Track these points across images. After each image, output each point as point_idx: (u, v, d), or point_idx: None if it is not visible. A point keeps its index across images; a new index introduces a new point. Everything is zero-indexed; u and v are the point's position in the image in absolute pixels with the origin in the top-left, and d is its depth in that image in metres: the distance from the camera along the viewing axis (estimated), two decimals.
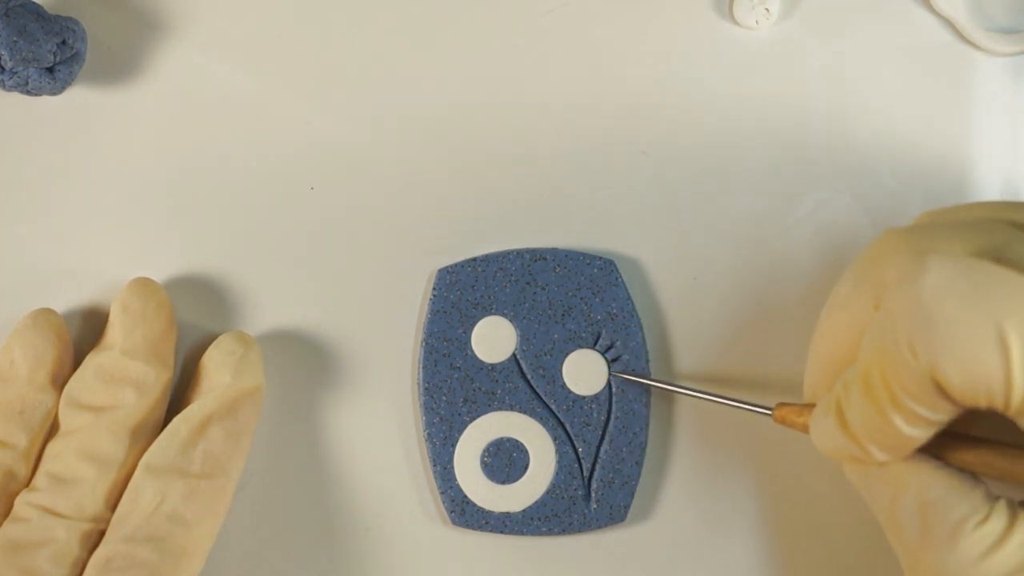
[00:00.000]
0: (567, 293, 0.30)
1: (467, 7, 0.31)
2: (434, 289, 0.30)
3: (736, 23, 0.31)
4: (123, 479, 0.27)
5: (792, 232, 0.30)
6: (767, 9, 0.30)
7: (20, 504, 0.26)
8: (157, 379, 0.27)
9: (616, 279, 0.30)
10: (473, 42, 0.31)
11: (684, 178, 0.30)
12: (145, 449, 0.27)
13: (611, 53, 0.31)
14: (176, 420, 0.27)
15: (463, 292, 0.30)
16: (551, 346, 0.29)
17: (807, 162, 0.31)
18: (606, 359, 0.29)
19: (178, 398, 0.29)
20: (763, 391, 0.30)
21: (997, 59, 0.31)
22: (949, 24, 0.31)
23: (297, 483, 0.29)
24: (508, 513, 0.29)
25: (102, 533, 0.27)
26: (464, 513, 0.29)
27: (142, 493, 0.26)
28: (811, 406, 0.25)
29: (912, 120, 0.31)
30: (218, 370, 0.28)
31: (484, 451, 0.29)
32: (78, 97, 0.30)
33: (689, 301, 0.30)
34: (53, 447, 0.27)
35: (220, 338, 0.28)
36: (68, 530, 0.26)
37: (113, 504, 0.27)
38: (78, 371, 0.28)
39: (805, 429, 0.25)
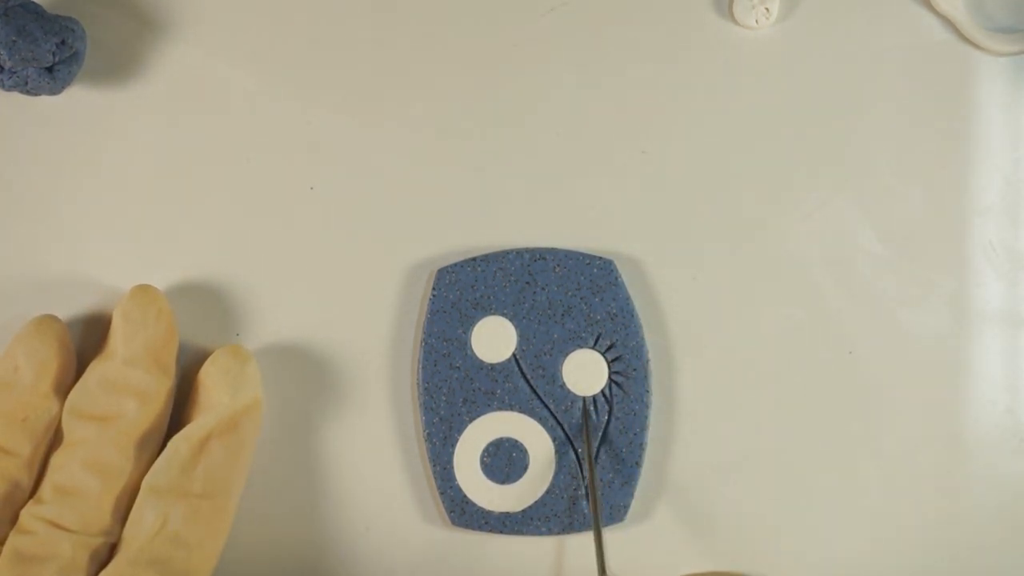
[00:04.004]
0: (567, 293, 0.29)
1: (467, 7, 0.31)
2: (434, 289, 0.30)
3: (736, 23, 0.31)
4: (129, 490, 0.27)
5: (792, 232, 0.30)
6: (767, 9, 0.30)
7: (26, 516, 0.26)
8: (159, 388, 0.27)
9: (616, 279, 0.30)
10: (473, 41, 0.31)
11: (684, 178, 0.30)
12: (150, 458, 0.27)
13: (611, 52, 0.31)
14: (176, 440, 0.27)
15: (463, 292, 0.30)
16: (551, 346, 0.29)
17: (807, 162, 0.30)
18: (606, 359, 0.29)
19: (178, 407, 0.29)
20: (764, 390, 0.30)
21: (997, 59, 0.31)
22: (949, 24, 0.31)
23: (297, 483, 0.29)
24: (508, 513, 0.29)
25: (110, 546, 0.27)
26: (464, 513, 0.29)
27: (145, 515, 0.26)
28: None
29: (912, 120, 0.31)
30: (216, 388, 0.28)
31: (484, 451, 0.29)
32: (77, 97, 0.30)
33: (689, 301, 0.30)
34: (58, 458, 0.27)
35: (216, 353, 0.28)
36: (74, 545, 0.26)
37: (120, 515, 0.27)
38: (80, 381, 0.28)
39: None
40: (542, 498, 0.29)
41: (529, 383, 0.29)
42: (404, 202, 0.30)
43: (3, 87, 0.28)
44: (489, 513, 0.29)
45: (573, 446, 0.29)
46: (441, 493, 0.29)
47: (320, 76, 0.30)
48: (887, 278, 0.30)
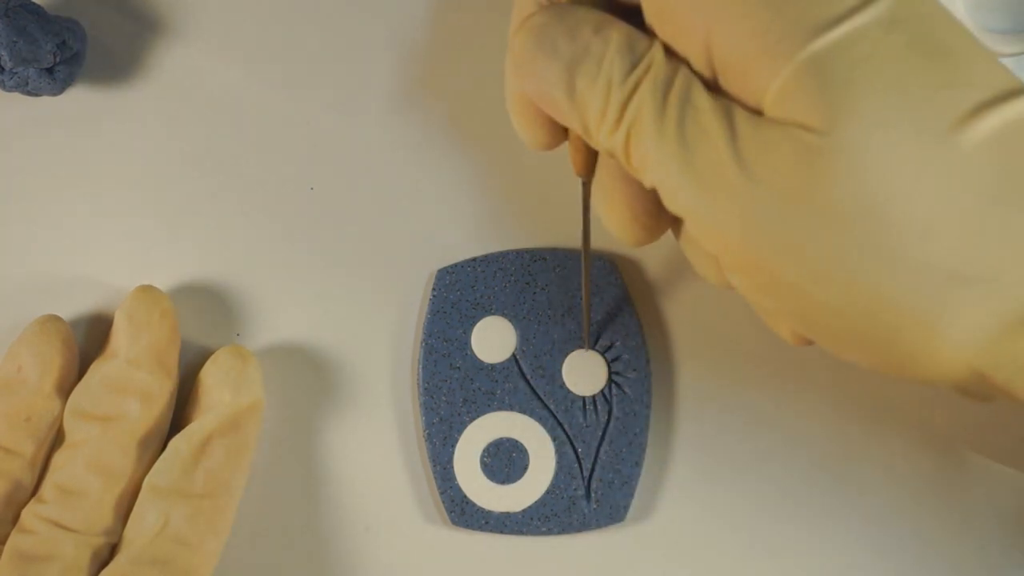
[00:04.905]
0: (567, 293, 0.30)
1: (466, 6, 0.31)
2: (434, 289, 0.30)
3: None
4: (131, 490, 0.27)
5: None
6: None
7: (28, 516, 0.26)
8: (162, 389, 0.27)
9: (616, 279, 0.30)
10: (472, 41, 0.31)
11: None
12: (152, 459, 0.27)
13: None
14: (177, 439, 0.27)
15: (463, 292, 0.30)
16: (551, 346, 0.29)
17: None
18: (606, 359, 0.29)
19: (178, 408, 0.29)
20: (764, 389, 0.30)
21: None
22: None
23: (297, 484, 0.29)
24: (508, 513, 0.29)
25: (112, 547, 0.27)
26: (464, 513, 0.29)
27: (146, 515, 0.26)
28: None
29: None
30: (217, 387, 0.28)
31: (484, 451, 0.29)
32: (78, 97, 0.30)
33: (689, 301, 0.30)
34: (59, 458, 0.27)
35: (217, 353, 0.28)
36: (77, 545, 0.26)
37: (122, 515, 0.27)
38: (83, 380, 0.28)
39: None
40: (542, 498, 0.29)
41: (529, 383, 0.29)
42: (404, 202, 0.30)
43: (4, 88, 0.28)
44: (489, 513, 0.29)
45: (573, 446, 0.29)
46: (441, 493, 0.29)
47: (320, 76, 0.30)
48: None
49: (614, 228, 0.24)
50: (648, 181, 0.22)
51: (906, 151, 0.19)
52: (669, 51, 0.22)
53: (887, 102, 0.19)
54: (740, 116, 0.20)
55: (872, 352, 0.21)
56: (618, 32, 0.22)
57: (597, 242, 0.30)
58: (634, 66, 0.21)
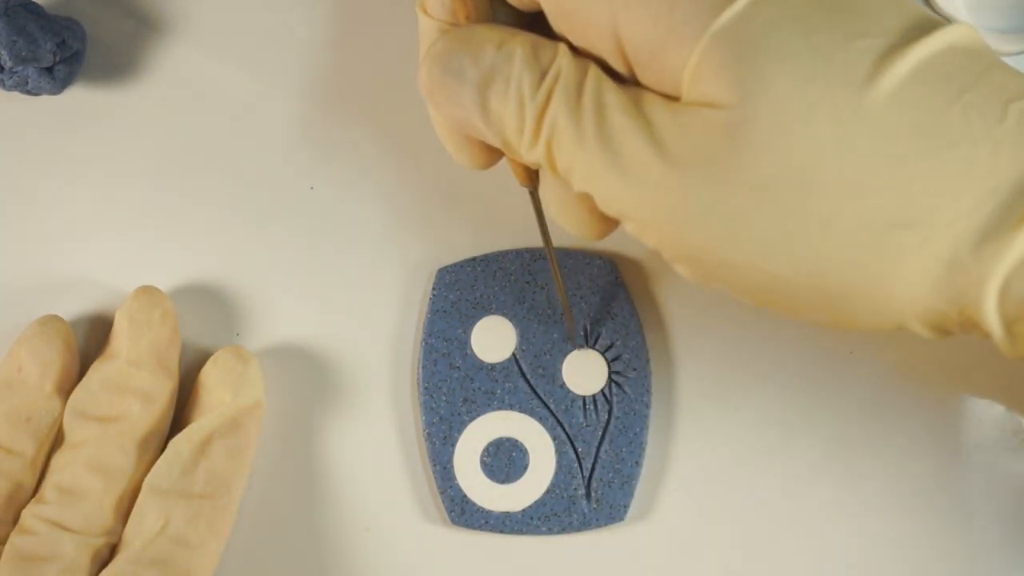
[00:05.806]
0: (567, 292, 0.30)
1: None
2: (434, 289, 0.30)
3: None
4: (131, 490, 0.27)
5: None
6: None
7: (28, 516, 0.26)
8: (162, 389, 0.27)
9: (616, 279, 0.30)
10: None
11: None
12: (152, 459, 0.27)
13: None
14: (177, 440, 0.27)
15: (463, 292, 0.30)
16: (551, 346, 0.29)
17: None
18: (606, 359, 0.29)
19: (178, 408, 0.29)
20: (764, 388, 0.30)
21: None
22: None
23: (297, 483, 0.30)
24: (508, 513, 0.29)
25: (112, 547, 0.27)
26: (464, 513, 0.29)
27: (146, 515, 0.26)
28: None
29: None
30: (217, 387, 0.28)
31: (484, 451, 0.29)
32: (77, 97, 0.30)
33: (689, 301, 0.30)
34: (60, 459, 0.27)
35: (217, 354, 0.28)
36: (77, 545, 0.26)
37: (122, 516, 0.27)
38: (83, 381, 0.28)
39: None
40: (542, 498, 0.29)
41: (529, 383, 0.29)
42: (404, 202, 0.30)
43: (3, 87, 0.28)
44: (489, 513, 0.29)
45: (573, 446, 0.29)
46: (441, 493, 0.29)
47: (320, 76, 0.30)
48: None
49: (572, 230, 0.24)
50: (577, 187, 0.21)
51: (823, 111, 0.19)
52: (580, 52, 0.21)
53: (797, 65, 0.19)
54: (655, 106, 0.20)
55: (829, 311, 0.20)
56: (522, 45, 0.21)
57: (595, 242, 0.30)
58: (543, 76, 0.21)
